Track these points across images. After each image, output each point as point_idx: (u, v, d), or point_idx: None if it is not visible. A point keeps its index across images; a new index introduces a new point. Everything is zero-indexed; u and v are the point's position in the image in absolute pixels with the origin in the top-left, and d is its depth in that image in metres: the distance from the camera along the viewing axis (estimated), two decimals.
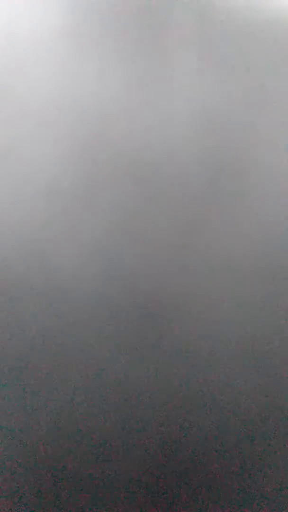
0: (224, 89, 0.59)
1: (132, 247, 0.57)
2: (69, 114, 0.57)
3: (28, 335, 0.56)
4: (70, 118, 0.57)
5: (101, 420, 0.57)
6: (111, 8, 0.59)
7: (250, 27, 0.60)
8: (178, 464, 0.56)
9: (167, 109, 0.58)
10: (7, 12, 0.59)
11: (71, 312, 0.57)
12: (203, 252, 0.58)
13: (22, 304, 0.56)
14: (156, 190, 0.58)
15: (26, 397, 0.56)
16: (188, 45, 0.59)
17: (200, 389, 0.57)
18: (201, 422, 0.57)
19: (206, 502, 0.55)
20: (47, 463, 0.55)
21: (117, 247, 0.57)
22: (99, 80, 0.58)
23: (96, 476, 0.55)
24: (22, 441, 0.56)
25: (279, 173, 0.59)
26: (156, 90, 0.58)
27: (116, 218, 0.57)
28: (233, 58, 0.60)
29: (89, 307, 0.57)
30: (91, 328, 0.57)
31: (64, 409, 0.57)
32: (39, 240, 0.56)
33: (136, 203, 0.57)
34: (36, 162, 0.57)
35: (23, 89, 0.57)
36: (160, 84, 0.58)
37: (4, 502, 0.53)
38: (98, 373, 0.57)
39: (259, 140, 0.59)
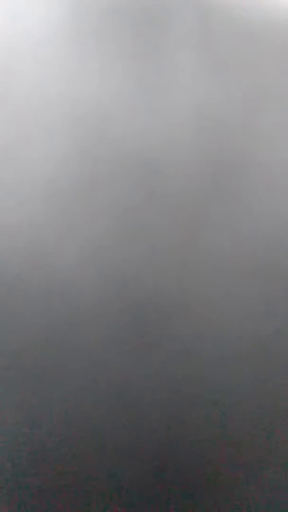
0: (224, 89, 0.59)
1: (131, 247, 0.57)
2: (69, 114, 0.57)
3: (28, 335, 0.56)
4: (70, 118, 0.57)
5: (101, 420, 0.57)
6: (111, 9, 0.59)
7: (250, 27, 0.60)
8: (178, 463, 0.56)
9: (167, 109, 0.58)
10: (7, 12, 0.59)
11: (71, 313, 0.57)
12: (203, 252, 0.58)
13: (22, 305, 0.56)
14: (156, 190, 0.58)
15: (25, 397, 0.56)
16: (188, 45, 0.59)
17: (200, 389, 0.57)
18: (201, 422, 0.57)
19: (206, 502, 0.55)
20: (47, 463, 0.55)
21: (116, 248, 0.57)
22: (99, 81, 0.58)
23: (96, 475, 0.55)
24: (22, 441, 0.56)
25: (279, 172, 0.59)
26: (156, 90, 0.58)
27: (115, 219, 0.57)
28: (233, 58, 0.60)
29: (89, 307, 0.57)
30: (91, 328, 0.57)
31: (64, 409, 0.57)
32: (38, 241, 0.56)
33: (135, 203, 0.57)
34: (36, 163, 0.57)
35: (23, 89, 0.57)
36: (160, 84, 0.58)
37: (4, 502, 0.53)
38: (98, 373, 0.57)
39: (259, 139, 0.59)
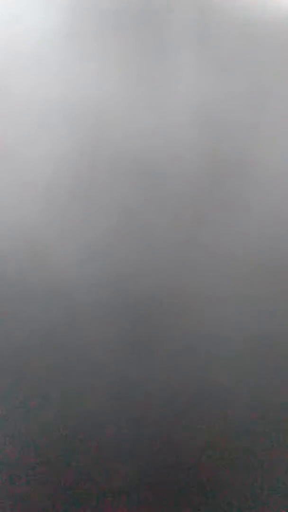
0: (224, 89, 0.59)
1: (132, 247, 0.57)
2: (69, 114, 0.57)
3: (28, 335, 0.56)
4: (70, 118, 0.57)
5: (100, 421, 0.57)
6: (111, 8, 0.59)
7: (250, 27, 0.60)
8: (179, 464, 0.56)
9: (167, 109, 0.58)
10: (7, 12, 0.59)
11: (71, 312, 0.57)
12: (204, 251, 0.58)
13: (21, 304, 0.56)
14: (156, 190, 0.58)
15: (25, 398, 0.57)
16: (188, 44, 0.59)
17: (200, 389, 0.58)
18: (202, 422, 0.57)
19: (206, 502, 0.55)
20: (47, 463, 0.55)
21: (117, 247, 0.57)
22: (99, 80, 0.58)
23: (95, 476, 0.55)
24: (21, 441, 0.56)
25: (279, 172, 0.59)
26: (156, 90, 0.58)
27: (116, 218, 0.57)
28: (233, 57, 0.59)
29: (89, 307, 0.57)
30: (91, 328, 0.57)
31: (63, 410, 0.57)
32: (39, 240, 0.56)
33: (136, 203, 0.57)
34: (36, 162, 0.57)
35: (23, 89, 0.57)
36: (160, 84, 0.58)
37: (1, 502, 0.54)
38: (98, 373, 0.57)
39: (259, 139, 0.59)
